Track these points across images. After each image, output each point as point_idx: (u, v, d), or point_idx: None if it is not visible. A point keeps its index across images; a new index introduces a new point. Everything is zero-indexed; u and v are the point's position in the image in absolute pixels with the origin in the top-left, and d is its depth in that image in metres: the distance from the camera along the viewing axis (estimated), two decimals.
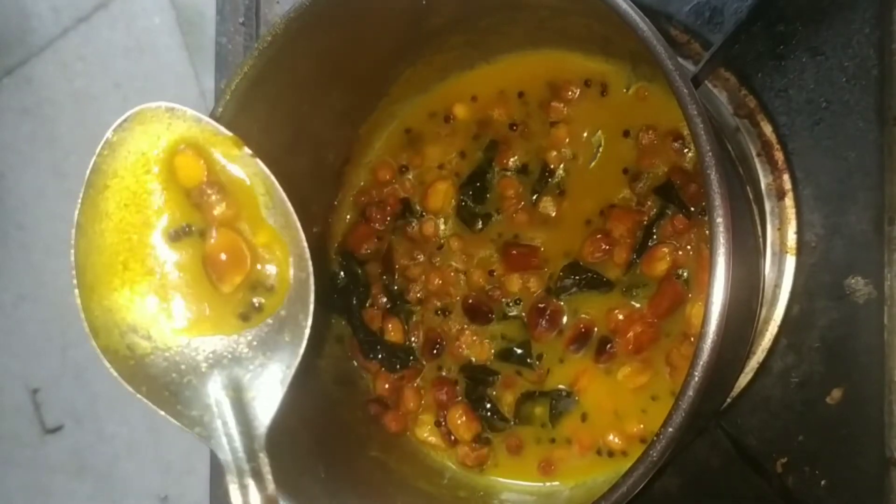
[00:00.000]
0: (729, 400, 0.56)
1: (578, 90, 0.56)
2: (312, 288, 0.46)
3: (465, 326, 0.59)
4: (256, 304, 0.46)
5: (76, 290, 0.45)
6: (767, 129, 0.56)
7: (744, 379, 0.55)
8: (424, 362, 0.61)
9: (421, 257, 0.61)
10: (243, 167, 0.47)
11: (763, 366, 0.55)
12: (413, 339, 0.61)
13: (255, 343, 0.46)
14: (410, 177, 0.62)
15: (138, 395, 0.44)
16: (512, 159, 0.58)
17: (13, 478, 1.72)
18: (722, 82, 0.57)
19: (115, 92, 1.58)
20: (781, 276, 0.55)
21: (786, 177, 0.55)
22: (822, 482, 0.53)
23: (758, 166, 0.56)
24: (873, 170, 0.53)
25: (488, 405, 0.58)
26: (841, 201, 0.54)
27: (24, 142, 1.69)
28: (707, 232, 0.51)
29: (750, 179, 0.55)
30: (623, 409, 0.54)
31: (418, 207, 0.61)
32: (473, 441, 0.58)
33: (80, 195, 0.46)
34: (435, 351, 0.60)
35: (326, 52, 0.53)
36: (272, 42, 0.50)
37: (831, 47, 0.54)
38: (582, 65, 0.56)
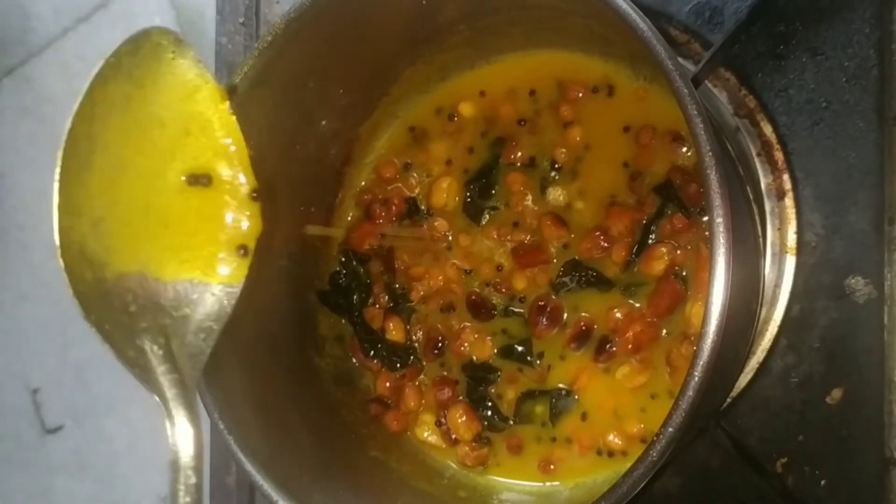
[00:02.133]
0: (729, 400, 0.56)
1: (582, 93, 0.56)
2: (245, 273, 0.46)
3: (468, 324, 0.59)
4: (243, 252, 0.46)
5: (56, 197, 0.42)
6: (767, 129, 0.56)
7: (744, 379, 0.55)
8: (426, 362, 0.61)
9: (426, 255, 0.61)
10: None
11: (763, 366, 0.55)
12: (414, 338, 0.61)
13: (181, 292, 0.45)
14: (415, 174, 0.62)
15: (87, 322, 0.42)
16: (518, 154, 0.58)
17: (13, 478, 1.72)
18: (722, 82, 0.57)
19: None
20: (781, 276, 0.55)
21: (786, 177, 0.55)
22: (822, 482, 0.53)
23: (758, 166, 0.56)
24: (873, 170, 0.53)
25: (489, 404, 0.58)
26: (841, 201, 0.54)
27: (24, 142, 1.69)
28: (706, 231, 0.51)
29: (750, 179, 0.55)
30: (623, 408, 0.54)
31: (423, 207, 0.61)
32: (474, 441, 0.58)
33: (78, 101, 0.44)
34: (437, 350, 0.60)
35: (326, 52, 0.53)
36: (272, 42, 0.50)
37: (831, 47, 0.54)
38: (583, 65, 0.56)
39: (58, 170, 0.42)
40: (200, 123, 0.45)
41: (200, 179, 0.45)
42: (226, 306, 0.45)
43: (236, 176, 0.45)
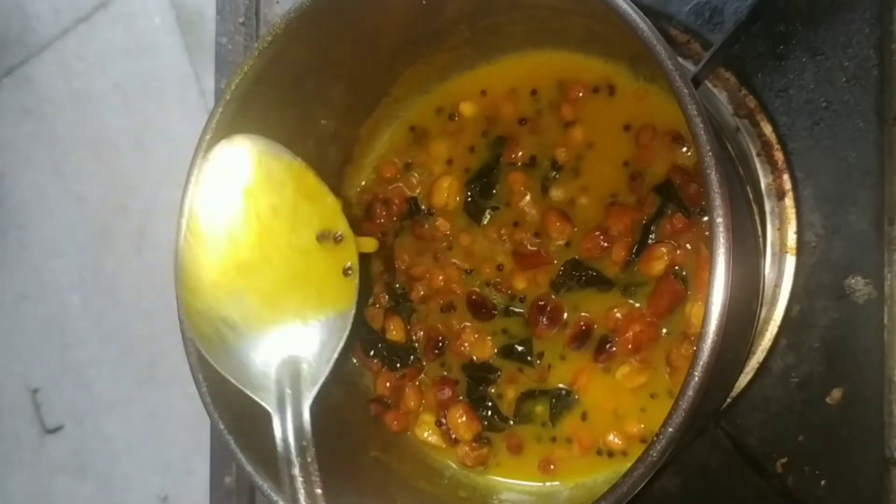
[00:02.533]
0: (729, 400, 0.56)
1: (583, 92, 0.56)
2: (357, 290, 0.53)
3: (468, 324, 0.59)
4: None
5: (180, 291, 0.50)
6: (767, 129, 0.56)
7: (744, 379, 0.55)
8: (426, 362, 0.61)
9: (426, 255, 0.61)
10: None
11: (763, 366, 0.55)
12: (414, 338, 0.61)
13: (312, 331, 0.51)
14: (416, 174, 0.62)
15: (220, 370, 0.49)
16: (519, 154, 0.58)
17: (13, 478, 1.72)
18: (722, 82, 0.57)
19: (115, 92, 1.58)
20: (781, 276, 0.55)
21: (786, 177, 0.55)
22: (822, 482, 0.53)
23: (758, 166, 0.56)
24: (873, 170, 0.53)
25: (489, 404, 0.58)
26: (841, 201, 0.54)
27: (24, 142, 1.69)
28: (706, 231, 0.51)
29: (750, 179, 0.55)
30: (623, 408, 0.54)
31: (423, 207, 0.61)
32: (474, 441, 0.58)
33: (186, 214, 0.50)
34: (437, 350, 0.60)
35: (326, 52, 0.53)
36: (272, 42, 0.50)
37: (831, 47, 0.54)
38: (584, 65, 0.56)
39: (181, 277, 0.50)
40: (309, 194, 0.52)
41: (326, 236, 0.52)
42: (345, 327, 0.52)
43: (346, 225, 0.53)
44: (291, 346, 0.51)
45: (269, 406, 0.48)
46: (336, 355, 0.51)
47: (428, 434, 0.60)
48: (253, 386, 0.49)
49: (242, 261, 0.51)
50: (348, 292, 0.52)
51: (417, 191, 0.62)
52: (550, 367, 0.57)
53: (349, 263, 0.53)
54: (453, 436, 0.59)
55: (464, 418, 0.58)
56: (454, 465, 0.59)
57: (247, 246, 0.51)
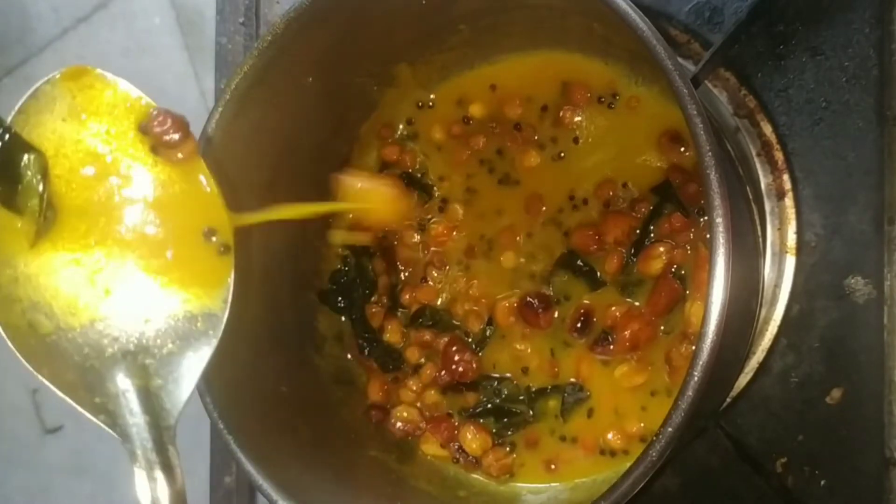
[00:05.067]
0: (729, 400, 0.56)
1: (584, 104, 0.56)
2: (231, 282, 0.42)
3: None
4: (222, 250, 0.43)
5: None
6: (767, 129, 0.56)
7: (744, 379, 0.55)
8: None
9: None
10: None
11: (763, 366, 0.55)
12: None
13: (164, 329, 0.42)
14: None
15: (39, 377, 0.40)
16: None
17: (13, 478, 1.72)
18: (722, 82, 0.58)
19: None
20: (781, 276, 0.55)
21: (786, 177, 0.55)
22: (822, 482, 0.53)
23: (758, 166, 0.56)
24: (873, 170, 0.53)
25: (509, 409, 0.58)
26: (841, 201, 0.54)
27: None
28: (705, 231, 0.51)
29: (750, 179, 0.55)
30: (623, 406, 0.54)
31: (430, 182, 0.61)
32: (494, 447, 0.58)
33: None
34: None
35: (326, 52, 0.53)
36: (272, 42, 0.50)
37: (831, 47, 0.54)
38: (584, 66, 0.56)
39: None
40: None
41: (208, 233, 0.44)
42: (214, 334, 0.42)
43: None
44: (135, 347, 0.40)
45: (125, 441, 0.39)
46: (199, 370, 0.41)
47: (433, 447, 0.59)
48: (95, 406, 0.40)
49: (58, 223, 0.40)
50: (218, 279, 0.41)
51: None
52: (554, 353, 0.56)
53: (207, 227, 0.41)
54: (471, 458, 0.58)
55: (475, 435, 0.57)
56: (460, 470, 0.59)
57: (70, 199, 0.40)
